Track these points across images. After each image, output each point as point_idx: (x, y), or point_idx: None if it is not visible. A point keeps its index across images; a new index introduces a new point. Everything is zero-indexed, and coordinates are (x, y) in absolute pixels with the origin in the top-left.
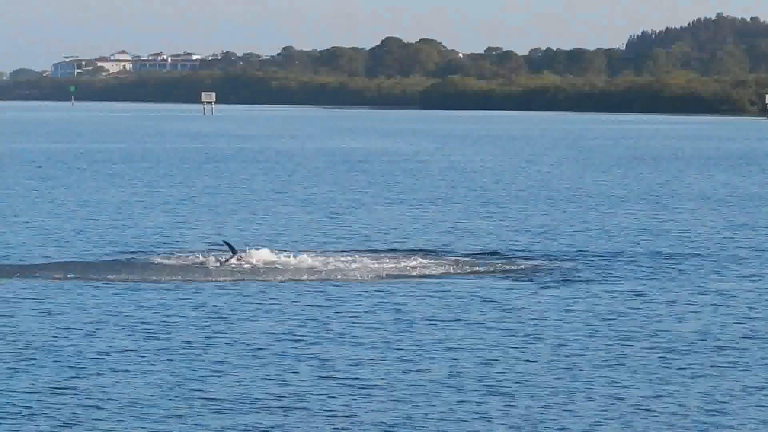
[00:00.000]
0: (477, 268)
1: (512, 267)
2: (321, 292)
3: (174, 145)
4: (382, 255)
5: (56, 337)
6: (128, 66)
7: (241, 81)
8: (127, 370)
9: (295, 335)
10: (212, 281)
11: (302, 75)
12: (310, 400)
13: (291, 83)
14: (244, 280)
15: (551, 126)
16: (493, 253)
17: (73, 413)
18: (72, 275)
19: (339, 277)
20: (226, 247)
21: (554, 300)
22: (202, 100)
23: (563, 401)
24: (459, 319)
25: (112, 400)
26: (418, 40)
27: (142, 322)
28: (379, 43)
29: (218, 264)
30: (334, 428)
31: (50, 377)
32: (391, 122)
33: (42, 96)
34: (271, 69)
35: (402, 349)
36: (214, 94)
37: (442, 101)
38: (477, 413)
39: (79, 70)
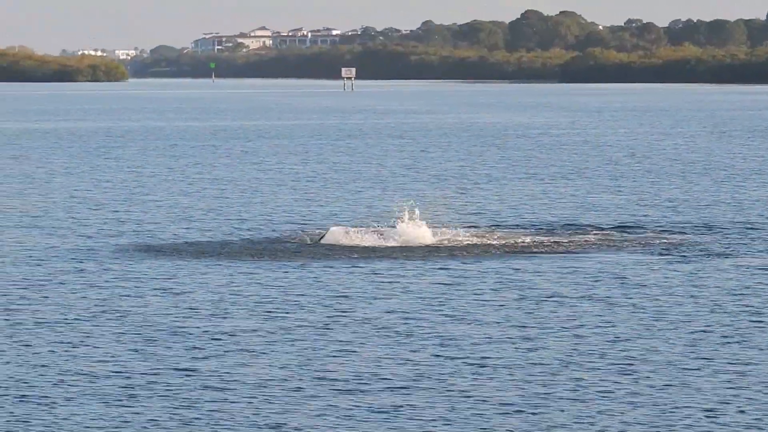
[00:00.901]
0: (605, 243)
1: (641, 241)
2: (447, 268)
3: (311, 121)
4: (511, 230)
5: (181, 317)
6: (268, 42)
7: (380, 56)
8: (251, 351)
9: (419, 313)
10: (338, 259)
11: (442, 49)
12: (434, 379)
13: (431, 58)
14: (370, 257)
15: (690, 98)
16: (623, 227)
17: (197, 394)
18: (200, 255)
19: (466, 253)
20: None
21: (683, 275)
22: (342, 75)
23: (688, 379)
24: (585, 296)
25: (237, 381)
26: (558, 12)
27: (268, 302)
28: (519, 16)
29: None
30: (458, 408)
31: (174, 358)
32: (529, 96)
33: (181, 73)
34: (411, 43)
35: (527, 327)
36: (354, 69)
37: (581, 74)
38: (601, 392)
39: (219, 47)
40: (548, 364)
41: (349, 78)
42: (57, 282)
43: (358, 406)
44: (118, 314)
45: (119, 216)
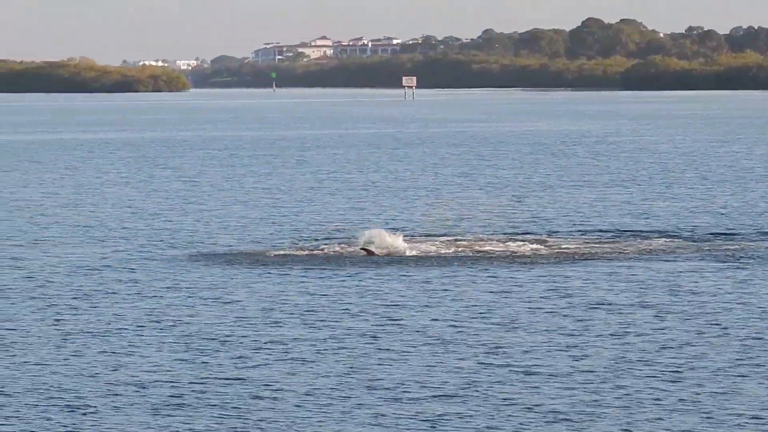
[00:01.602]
0: (656, 249)
1: (695, 248)
2: (497, 276)
3: (369, 130)
4: (563, 238)
5: (232, 325)
6: (329, 51)
7: (441, 65)
8: (299, 360)
9: (469, 321)
10: (388, 267)
11: (503, 57)
12: (482, 388)
13: (491, 66)
14: (418, 266)
15: (751, 105)
16: (677, 234)
17: (246, 404)
18: (252, 263)
19: (517, 261)
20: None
21: (736, 282)
22: (403, 84)
23: (739, 387)
24: (637, 303)
25: (285, 390)
26: (618, 20)
27: (318, 310)
28: (579, 24)
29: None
30: (507, 415)
31: (223, 367)
32: (589, 104)
33: (242, 83)
34: (472, 52)
35: (576, 334)
36: (414, 78)
37: (642, 82)
38: (650, 399)
39: (280, 57)
40: (597, 372)
41: (410, 87)
42: (108, 291)
43: (409, 416)
44: (169, 323)
45: (172, 225)
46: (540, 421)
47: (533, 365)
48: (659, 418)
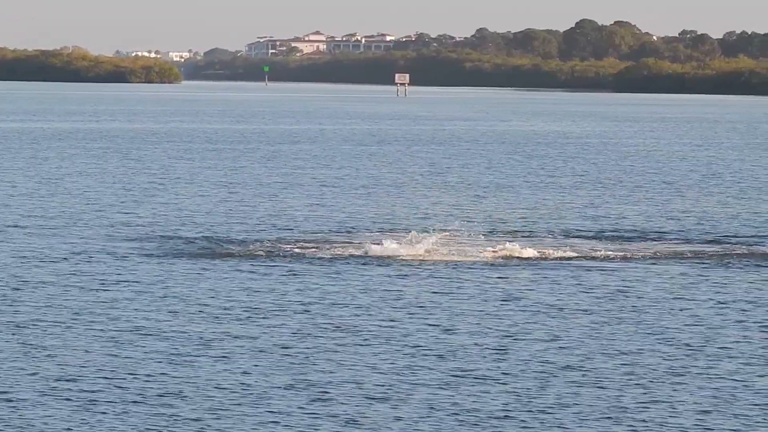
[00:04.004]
0: (607, 253)
1: (630, 251)
2: (442, 277)
3: (344, 126)
4: (494, 238)
5: (166, 320)
6: (322, 47)
7: (434, 62)
8: (230, 357)
9: (401, 321)
10: (340, 264)
11: (496, 57)
12: (411, 389)
13: (484, 65)
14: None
15: (741, 110)
16: (629, 236)
17: (172, 401)
18: (200, 257)
19: (463, 263)
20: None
21: (672, 284)
22: (396, 81)
23: (667, 395)
24: (575, 307)
25: (213, 387)
26: (612, 22)
27: (256, 307)
28: (573, 25)
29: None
30: (428, 418)
31: (153, 362)
32: (578, 105)
33: (235, 76)
34: (465, 50)
35: (509, 337)
36: (407, 75)
37: (635, 84)
38: (577, 404)
39: (273, 51)
40: (524, 376)
41: (403, 84)
42: (52, 284)
43: (327, 414)
44: (107, 317)
45: (128, 218)
46: (466, 424)
47: (462, 367)
48: (580, 426)
